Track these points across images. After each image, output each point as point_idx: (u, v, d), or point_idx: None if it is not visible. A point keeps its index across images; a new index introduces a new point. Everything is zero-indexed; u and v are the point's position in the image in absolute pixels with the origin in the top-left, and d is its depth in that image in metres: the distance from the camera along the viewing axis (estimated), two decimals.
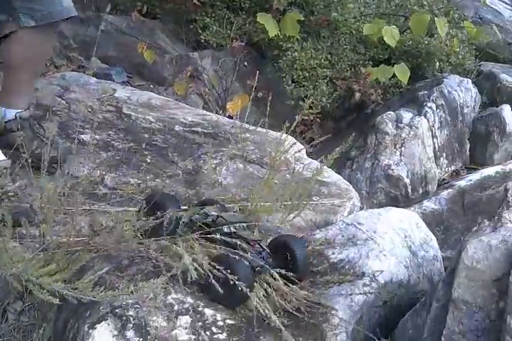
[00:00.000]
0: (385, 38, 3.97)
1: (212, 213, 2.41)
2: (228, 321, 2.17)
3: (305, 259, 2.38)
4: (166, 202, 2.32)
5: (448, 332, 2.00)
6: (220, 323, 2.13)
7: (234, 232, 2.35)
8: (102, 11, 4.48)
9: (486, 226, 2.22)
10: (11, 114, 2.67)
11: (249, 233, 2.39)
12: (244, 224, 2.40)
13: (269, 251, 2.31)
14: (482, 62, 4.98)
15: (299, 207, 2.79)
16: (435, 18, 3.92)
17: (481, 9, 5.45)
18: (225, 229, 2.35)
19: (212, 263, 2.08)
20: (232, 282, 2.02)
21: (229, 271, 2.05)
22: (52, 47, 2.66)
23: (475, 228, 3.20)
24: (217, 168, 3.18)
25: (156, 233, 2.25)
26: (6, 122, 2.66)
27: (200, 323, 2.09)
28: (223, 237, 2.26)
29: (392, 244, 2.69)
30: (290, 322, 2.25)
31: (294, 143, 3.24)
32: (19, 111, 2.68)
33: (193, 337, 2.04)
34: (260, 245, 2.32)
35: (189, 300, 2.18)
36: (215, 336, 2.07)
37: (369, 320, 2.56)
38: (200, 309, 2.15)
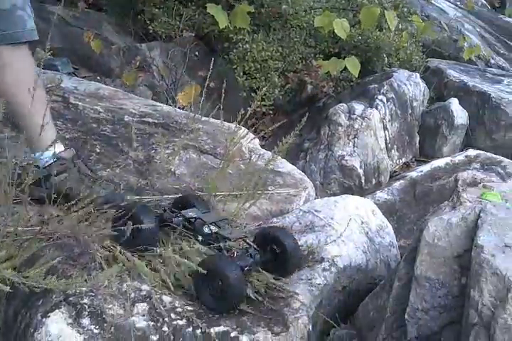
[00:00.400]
0: (335, 30, 3.98)
1: (190, 214, 2.32)
2: (188, 307, 2.12)
3: (297, 251, 2.35)
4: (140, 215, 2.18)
5: (411, 309, 1.98)
6: (179, 310, 2.09)
7: (215, 233, 2.27)
8: (47, 1, 4.33)
9: (445, 205, 2.23)
10: (43, 157, 2.37)
11: (231, 230, 2.33)
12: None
13: (255, 246, 2.25)
14: (429, 59, 5.07)
15: (254, 196, 2.75)
16: (385, 12, 3.96)
17: (427, 7, 5.57)
18: (206, 229, 2.27)
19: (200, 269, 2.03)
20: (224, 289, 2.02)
21: (219, 276, 2.02)
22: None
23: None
24: (170, 158, 3.11)
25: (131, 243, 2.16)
26: (44, 168, 2.37)
27: (157, 310, 2.03)
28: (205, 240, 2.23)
29: (349, 230, 2.69)
30: (251, 308, 2.19)
31: (247, 134, 3.21)
32: (50, 152, 2.37)
33: (151, 323, 1.98)
34: (246, 242, 2.26)
35: (145, 287, 2.11)
36: (174, 322, 2.02)
37: (329, 305, 2.54)
38: (157, 296, 2.08)
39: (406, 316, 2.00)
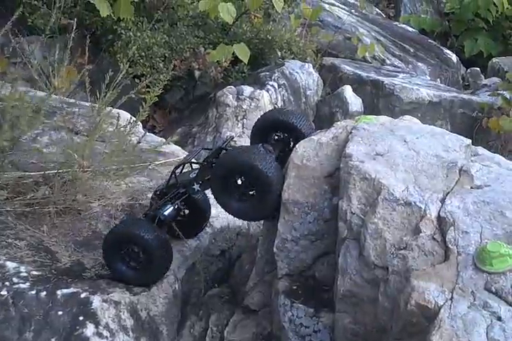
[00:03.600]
0: (220, 14, 3.82)
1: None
2: (34, 272, 2.03)
3: None
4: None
5: (280, 240, 1.72)
6: (24, 274, 2.01)
7: None
8: None
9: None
10: None
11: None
12: None
13: None
14: (324, 58, 5.01)
15: (128, 173, 2.62)
16: None
17: (322, 13, 5.56)
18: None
19: None
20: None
21: None
22: None
23: None
24: (38, 138, 2.88)
25: None
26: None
27: None
28: None
29: None
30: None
31: (130, 118, 3.08)
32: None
33: None
34: None
35: None
36: (16, 286, 1.95)
37: (205, 269, 2.28)
38: (1, 262, 2.02)
39: (275, 249, 1.73)
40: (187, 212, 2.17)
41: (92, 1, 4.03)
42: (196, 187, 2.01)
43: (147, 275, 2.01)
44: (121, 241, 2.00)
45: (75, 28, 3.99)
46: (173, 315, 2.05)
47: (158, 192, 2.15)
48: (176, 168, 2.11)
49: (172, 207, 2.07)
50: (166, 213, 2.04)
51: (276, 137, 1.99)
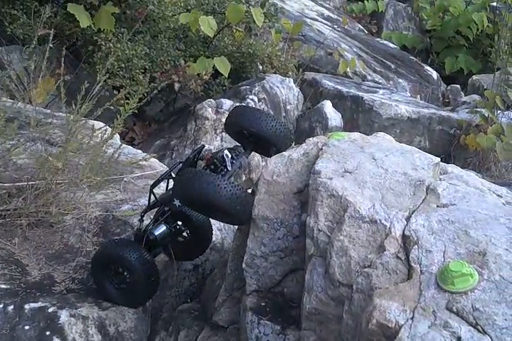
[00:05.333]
0: (202, 28, 3.84)
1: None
2: (2, 286, 2.03)
3: None
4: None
5: (249, 256, 1.71)
6: None
7: None
8: None
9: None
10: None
11: None
12: None
13: None
14: (306, 72, 5.03)
15: (101, 184, 2.58)
16: (251, 8, 3.88)
17: (304, 28, 5.59)
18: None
19: None
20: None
21: None
22: None
23: None
24: (12, 149, 2.85)
25: None
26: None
27: None
28: None
29: None
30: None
31: (106, 130, 3.09)
32: None
33: None
34: None
35: None
36: None
37: (178, 284, 2.26)
38: None
39: (244, 265, 1.72)
40: (185, 233, 2.12)
41: (72, 12, 4.04)
42: (177, 202, 1.94)
43: (132, 297, 1.99)
44: (107, 260, 1.99)
45: (52, 38, 3.99)
46: (142, 330, 2.03)
47: (143, 214, 2.08)
48: (153, 186, 2.07)
49: (165, 227, 2.01)
50: (156, 233, 1.99)
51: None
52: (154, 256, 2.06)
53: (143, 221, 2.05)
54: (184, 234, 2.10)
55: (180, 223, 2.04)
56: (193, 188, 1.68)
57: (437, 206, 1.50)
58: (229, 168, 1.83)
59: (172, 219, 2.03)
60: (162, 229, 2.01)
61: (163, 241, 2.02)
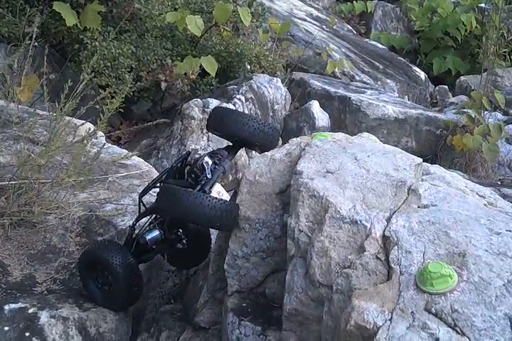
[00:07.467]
0: (189, 27, 3.82)
1: None
2: None
3: None
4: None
5: (230, 257, 1.70)
6: None
7: None
8: None
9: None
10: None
11: None
12: None
13: None
14: (294, 72, 5.03)
15: (87, 184, 2.60)
16: (238, 8, 3.87)
17: (293, 28, 5.59)
18: None
19: None
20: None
21: None
22: None
23: None
24: None
25: None
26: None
27: None
28: None
29: None
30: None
31: (91, 129, 3.07)
32: None
33: None
34: None
35: None
36: None
37: (161, 285, 2.25)
38: None
39: (225, 266, 1.71)
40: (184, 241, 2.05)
41: (58, 10, 4.01)
42: None
43: (112, 301, 1.97)
44: (93, 260, 1.97)
45: (37, 36, 3.96)
46: (124, 331, 2.01)
47: (135, 223, 2.05)
48: (142, 194, 2.04)
49: (158, 232, 1.96)
50: (148, 237, 1.95)
51: None
52: (144, 261, 2.04)
53: (134, 230, 2.02)
54: (180, 242, 2.04)
55: (180, 230, 1.99)
56: (173, 208, 1.67)
57: (418, 207, 1.50)
58: (208, 177, 1.81)
59: (167, 226, 1.99)
60: (155, 233, 1.96)
61: (155, 247, 1.97)
